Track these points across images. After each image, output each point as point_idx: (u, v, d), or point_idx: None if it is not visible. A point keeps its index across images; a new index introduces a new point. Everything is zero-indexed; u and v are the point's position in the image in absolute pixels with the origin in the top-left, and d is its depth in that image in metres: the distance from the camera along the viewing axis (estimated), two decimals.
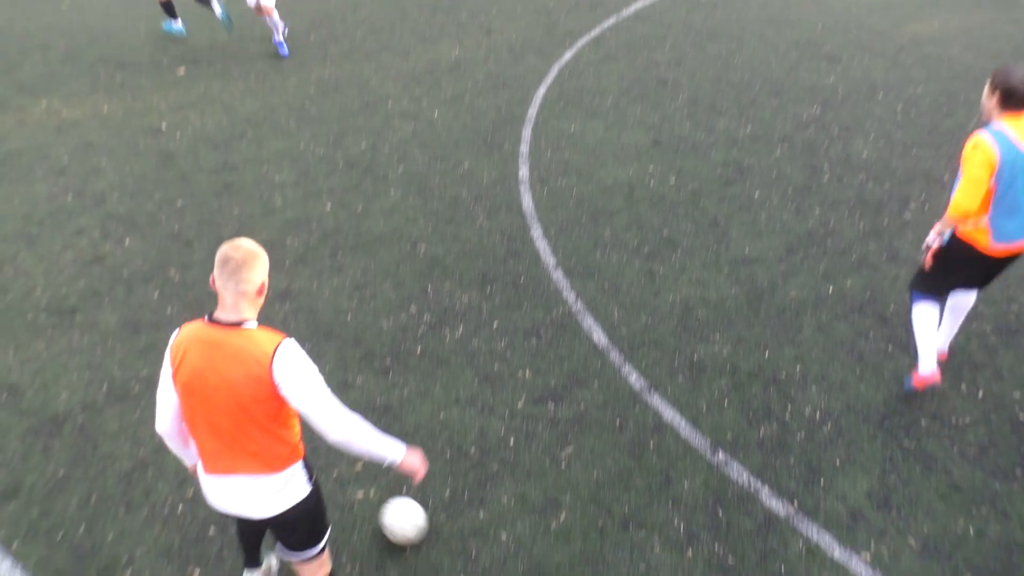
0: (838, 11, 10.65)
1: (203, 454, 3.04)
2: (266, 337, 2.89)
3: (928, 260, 4.52)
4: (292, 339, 2.94)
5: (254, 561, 3.74)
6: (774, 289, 5.77)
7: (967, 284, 4.64)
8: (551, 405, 4.82)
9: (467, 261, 6.12)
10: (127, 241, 6.37)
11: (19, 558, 3.91)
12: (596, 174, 7.20)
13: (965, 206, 4.08)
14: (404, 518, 3.89)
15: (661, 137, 7.78)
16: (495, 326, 5.45)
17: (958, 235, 4.38)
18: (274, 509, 3.07)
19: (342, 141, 7.86)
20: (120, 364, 5.14)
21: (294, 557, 3.28)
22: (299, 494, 3.09)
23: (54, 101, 8.70)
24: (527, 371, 5.07)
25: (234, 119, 8.29)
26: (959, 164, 4.20)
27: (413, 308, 5.64)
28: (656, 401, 4.84)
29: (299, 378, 2.86)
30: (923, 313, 4.65)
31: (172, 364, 2.97)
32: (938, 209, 6.52)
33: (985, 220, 4.24)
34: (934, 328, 4.67)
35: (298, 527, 3.18)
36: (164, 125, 8.18)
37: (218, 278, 2.90)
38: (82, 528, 4.07)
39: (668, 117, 8.13)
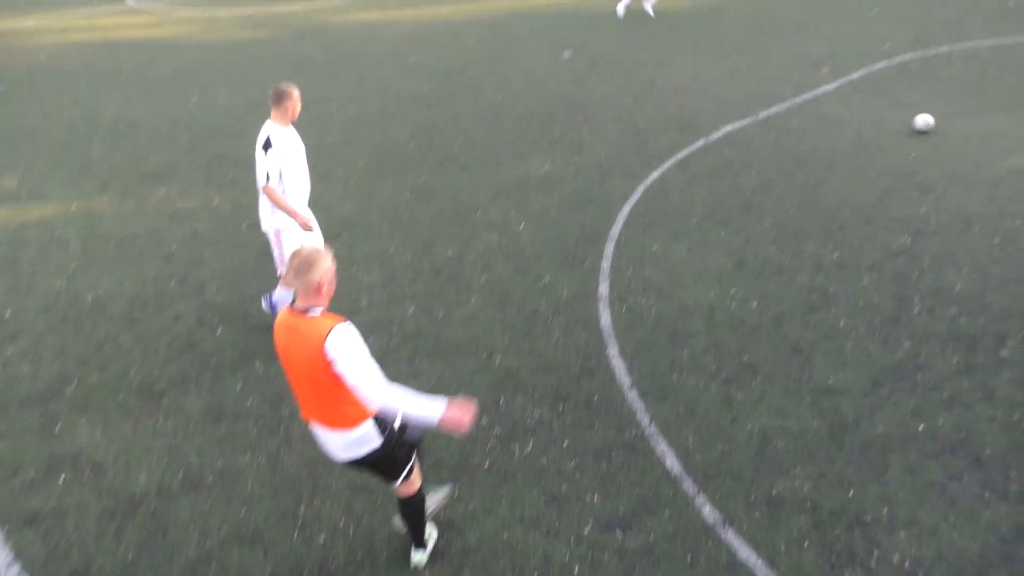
0: (933, 140, 10.54)
1: (300, 407, 3.96)
2: (326, 322, 3.66)
3: None
4: (349, 323, 3.69)
5: None
6: (859, 423, 5.55)
7: None
8: (619, 533, 4.68)
9: (541, 376, 6.13)
10: (219, 330, 6.66)
11: None
12: (676, 294, 7.19)
13: None
14: None
15: (745, 260, 7.74)
16: (565, 445, 5.39)
17: None
18: (350, 455, 3.93)
19: (430, 248, 8.12)
20: (198, 451, 5.28)
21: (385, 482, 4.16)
22: (371, 445, 3.90)
23: (172, 191, 9.34)
24: (595, 495, 4.96)
25: (332, 220, 8.69)
26: None
27: (484, 420, 5.64)
28: (730, 537, 4.65)
29: (345, 355, 3.60)
30: None
31: (276, 345, 3.86)
32: None
33: None
34: None
35: (377, 468, 4.04)
36: None
37: (289, 276, 3.73)
38: None
39: (752, 240, 8.11)
